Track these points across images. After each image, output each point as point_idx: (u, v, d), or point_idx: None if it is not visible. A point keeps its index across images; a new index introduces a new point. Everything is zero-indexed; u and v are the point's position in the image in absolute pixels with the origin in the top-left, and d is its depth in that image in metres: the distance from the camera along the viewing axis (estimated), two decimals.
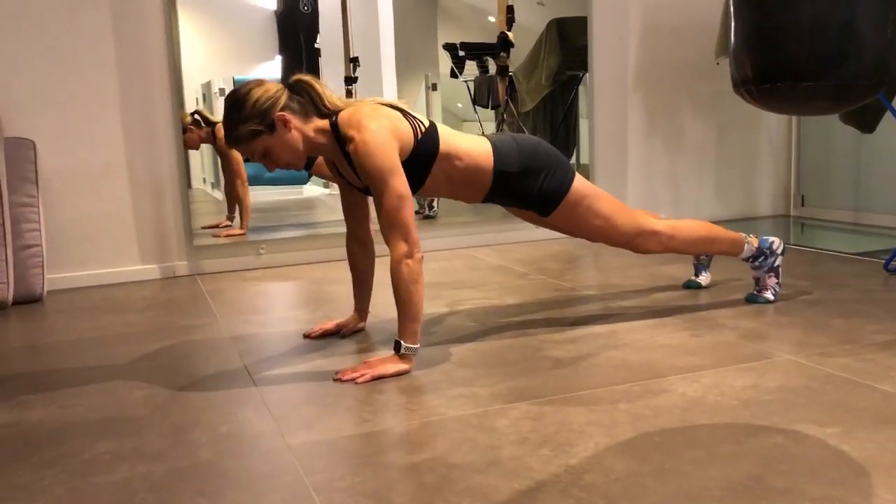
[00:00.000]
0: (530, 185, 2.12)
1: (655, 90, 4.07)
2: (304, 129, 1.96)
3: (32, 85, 3.07)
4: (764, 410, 1.58)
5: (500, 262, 3.37)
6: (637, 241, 2.23)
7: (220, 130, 3.97)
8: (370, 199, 2.16)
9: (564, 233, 2.26)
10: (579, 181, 2.17)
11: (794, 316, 2.28)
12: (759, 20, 1.50)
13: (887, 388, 1.68)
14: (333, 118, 1.98)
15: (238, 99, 1.92)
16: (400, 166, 1.90)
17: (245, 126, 1.90)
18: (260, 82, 1.94)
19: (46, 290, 3.02)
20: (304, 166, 2.02)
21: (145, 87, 3.23)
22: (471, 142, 2.08)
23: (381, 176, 1.86)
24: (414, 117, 2.00)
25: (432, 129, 2.03)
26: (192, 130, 3.64)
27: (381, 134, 1.88)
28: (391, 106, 2.00)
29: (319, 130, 1.98)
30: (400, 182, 1.88)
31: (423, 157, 1.99)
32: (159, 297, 2.98)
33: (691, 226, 2.32)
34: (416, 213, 4.41)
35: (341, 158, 2.01)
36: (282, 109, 1.92)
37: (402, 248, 1.86)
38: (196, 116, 3.64)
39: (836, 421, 1.51)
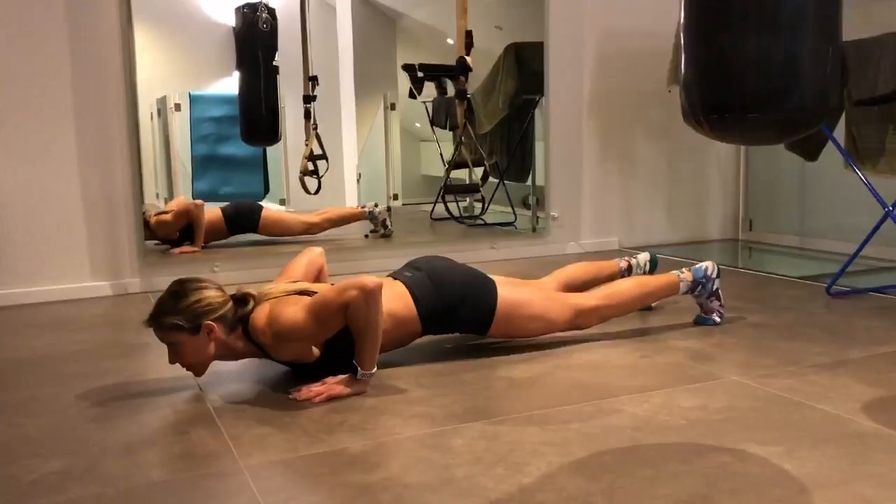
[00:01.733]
0: (458, 316, 2.16)
1: (610, 116, 4.16)
2: (226, 339, 1.92)
3: None
4: (711, 430, 1.63)
5: None
6: (578, 323, 2.29)
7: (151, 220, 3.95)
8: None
9: (510, 339, 2.30)
10: (504, 292, 2.19)
11: (740, 338, 2.35)
12: (707, 54, 1.56)
13: (827, 408, 1.74)
14: (246, 325, 1.93)
15: (181, 291, 1.89)
16: (312, 311, 1.86)
17: (171, 318, 1.86)
18: (209, 285, 1.92)
19: None
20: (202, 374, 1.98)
21: (100, 101, 3.19)
22: (390, 298, 2.02)
23: (313, 322, 1.85)
24: None
25: None
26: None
27: (283, 322, 1.86)
28: (300, 292, 1.97)
29: (239, 337, 1.95)
30: (323, 304, 1.85)
31: (346, 331, 1.91)
32: (111, 315, 2.93)
33: (623, 289, 2.37)
34: (373, 231, 4.43)
35: (270, 358, 1.99)
36: (215, 319, 1.89)
37: (354, 292, 1.83)
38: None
39: (779, 440, 1.57)
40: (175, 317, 1.86)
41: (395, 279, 2.16)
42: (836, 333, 2.38)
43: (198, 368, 1.95)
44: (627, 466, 1.46)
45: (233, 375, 2.10)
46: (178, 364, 1.92)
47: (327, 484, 1.42)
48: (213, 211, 4.26)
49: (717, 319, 2.49)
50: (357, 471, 1.47)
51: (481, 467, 1.47)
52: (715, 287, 2.47)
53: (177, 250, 3.80)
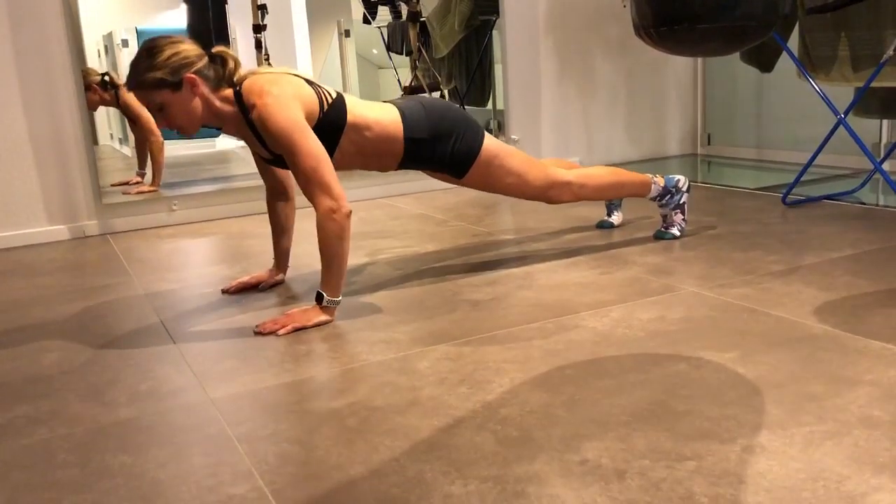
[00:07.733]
0: (442, 150, 2.14)
1: (566, 33, 4.11)
2: (210, 97, 1.93)
3: None
4: (668, 340, 1.67)
5: (419, 210, 3.40)
6: (550, 193, 2.29)
7: (126, 94, 3.84)
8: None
9: (481, 190, 2.30)
10: (489, 141, 2.20)
11: (698, 251, 2.39)
12: None
13: (780, 313, 1.80)
14: (237, 87, 1.95)
15: (155, 46, 1.88)
16: (307, 125, 1.89)
17: (152, 73, 1.86)
18: (182, 40, 1.92)
19: None
20: (195, 134, 1.97)
21: (41, 41, 3.08)
22: (379, 111, 2.07)
23: (289, 137, 1.85)
24: (320, 87, 1.98)
25: (339, 100, 2.01)
26: (96, 90, 3.52)
27: (283, 97, 1.88)
28: (295, 75, 1.98)
29: (225, 99, 1.96)
30: (310, 140, 1.87)
31: (330, 128, 1.97)
32: (70, 258, 2.89)
33: (600, 173, 2.39)
34: None
35: (246, 129, 1.99)
36: (195, 73, 1.89)
37: (327, 203, 1.85)
38: (105, 77, 3.51)
39: (733, 346, 1.62)
40: (155, 72, 1.86)
41: (391, 104, 2.16)
42: (790, 241, 2.44)
43: (188, 129, 1.95)
44: (588, 379, 1.50)
45: (197, 313, 2.10)
46: (166, 126, 1.93)
47: (295, 412, 1.44)
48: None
49: (677, 233, 2.53)
50: (324, 397, 1.49)
51: (446, 387, 1.50)
52: (682, 200, 2.50)
53: (134, 190, 3.74)
